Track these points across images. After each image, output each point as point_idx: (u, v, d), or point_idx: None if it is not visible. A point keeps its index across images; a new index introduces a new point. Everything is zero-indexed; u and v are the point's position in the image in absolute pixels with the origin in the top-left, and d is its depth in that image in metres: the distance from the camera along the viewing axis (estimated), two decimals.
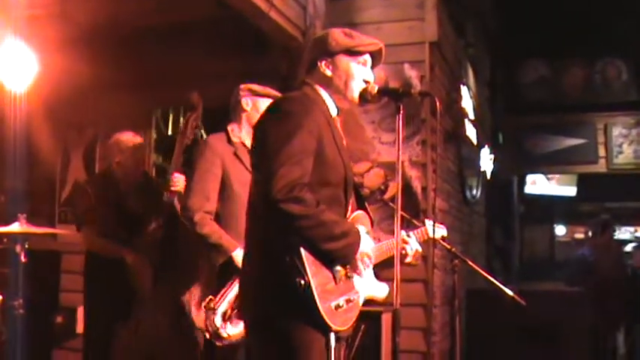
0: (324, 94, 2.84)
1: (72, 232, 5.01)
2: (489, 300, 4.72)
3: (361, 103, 2.92)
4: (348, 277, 2.72)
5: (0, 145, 5.66)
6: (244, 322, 2.83)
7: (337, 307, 2.61)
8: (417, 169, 5.34)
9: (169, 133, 6.63)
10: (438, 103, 2.98)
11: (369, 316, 4.37)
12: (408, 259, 3.14)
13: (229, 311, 3.69)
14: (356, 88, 2.85)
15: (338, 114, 2.88)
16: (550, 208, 13.71)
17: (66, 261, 6.30)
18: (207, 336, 3.72)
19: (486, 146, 8.25)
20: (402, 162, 5.09)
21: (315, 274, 2.54)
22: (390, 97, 2.89)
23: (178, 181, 4.40)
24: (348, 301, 2.68)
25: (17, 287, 4.35)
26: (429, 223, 3.45)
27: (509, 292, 3.97)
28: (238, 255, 3.65)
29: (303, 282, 2.50)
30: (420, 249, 3.19)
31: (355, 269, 2.73)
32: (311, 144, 2.62)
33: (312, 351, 2.56)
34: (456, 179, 6.68)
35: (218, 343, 3.72)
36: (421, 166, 5.36)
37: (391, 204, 4.72)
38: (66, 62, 5.71)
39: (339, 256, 2.64)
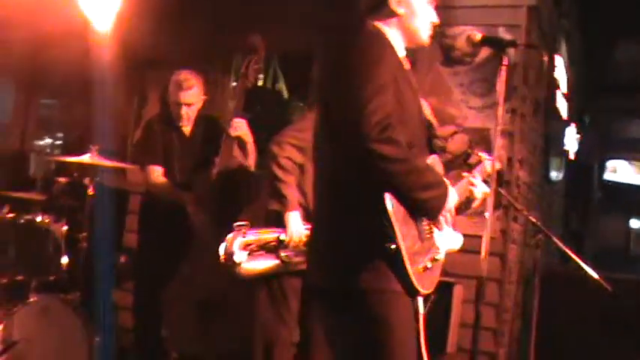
0: (391, 33, 2.57)
1: (140, 171, 4.93)
2: (567, 282, 4.46)
3: (450, 64, 2.70)
4: (431, 233, 2.50)
5: (81, 79, 5.63)
6: (313, 291, 2.63)
7: (425, 268, 2.41)
8: (504, 138, 5.08)
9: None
10: (545, 58, 2.72)
11: (440, 286, 4.15)
12: (476, 203, 2.89)
13: (255, 247, 3.56)
14: (426, 30, 2.62)
15: (406, 56, 2.63)
16: (629, 197, 13.19)
17: (134, 201, 6.23)
18: (221, 250, 3.57)
19: (573, 125, 7.91)
20: (488, 130, 4.90)
21: (404, 235, 2.30)
22: (493, 47, 2.65)
23: (239, 125, 4.25)
24: (432, 260, 2.47)
25: (82, 220, 4.31)
26: (485, 157, 3.18)
27: (595, 276, 3.71)
28: (291, 217, 3.57)
29: (393, 247, 2.28)
30: (487, 190, 2.92)
31: (438, 223, 2.50)
32: (390, 79, 2.34)
33: (402, 318, 2.36)
34: (540, 154, 6.39)
35: (224, 264, 3.57)
36: (508, 136, 5.09)
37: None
38: (147, 2, 5.62)
39: (430, 206, 2.39)
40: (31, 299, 3.47)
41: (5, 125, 6.95)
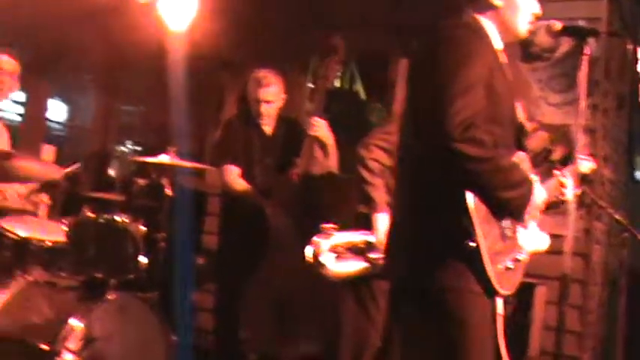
0: (488, 25, 2.51)
1: (218, 172, 4.96)
2: None
3: (529, 60, 2.61)
4: (515, 232, 2.43)
5: (158, 81, 5.71)
6: (392, 286, 2.61)
7: (506, 269, 2.34)
8: (585, 134, 4.91)
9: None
10: (630, 47, 2.61)
11: (521, 287, 4.03)
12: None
13: (343, 249, 3.52)
14: (524, 23, 2.55)
15: (503, 49, 2.56)
16: None
17: (212, 203, 6.28)
18: (309, 253, 3.54)
19: None
20: (569, 126, 4.75)
21: (485, 234, 2.25)
22: (574, 37, 2.56)
23: (318, 125, 4.24)
24: (515, 260, 2.40)
25: (161, 220, 4.36)
26: (582, 157, 3.07)
27: None
28: (380, 219, 3.52)
29: (472, 245, 2.23)
30: (577, 191, 2.83)
31: (523, 223, 2.43)
32: (484, 74, 2.30)
33: (480, 319, 2.31)
34: (624, 152, 6.16)
35: (311, 265, 3.55)
36: (590, 132, 4.92)
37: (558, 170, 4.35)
38: (225, 4, 5.66)
39: (514, 206, 2.34)
40: (110, 297, 3.51)
41: (87, 130, 7.13)
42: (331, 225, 3.57)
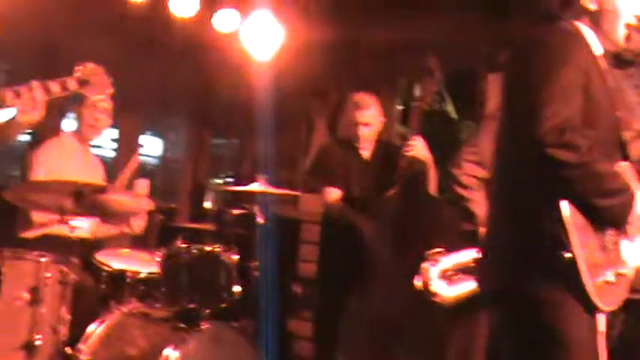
0: (586, 31, 2.39)
1: (313, 198, 4.93)
2: None
3: (622, 66, 2.47)
4: (617, 245, 2.27)
5: (247, 112, 5.75)
6: (487, 297, 2.49)
7: (607, 282, 2.19)
8: None
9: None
10: None
11: (631, 303, 3.80)
12: None
13: (450, 272, 3.38)
14: (621, 28, 2.41)
15: (604, 55, 2.43)
16: None
17: (306, 230, 6.24)
18: (418, 283, 3.43)
19: None
20: None
21: (582, 244, 2.12)
22: None
23: (415, 145, 4.15)
24: (618, 275, 2.24)
25: (253, 249, 4.34)
26: None
27: None
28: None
29: (567, 256, 2.10)
30: None
31: (626, 234, 2.27)
32: (579, 79, 2.20)
33: (577, 335, 2.17)
34: None
35: (424, 295, 3.43)
36: None
37: None
38: (309, 31, 5.66)
39: (612, 215, 2.21)
40: (204, 327, 3.48)
41: (180, 163, 7.23)
42: (436, 250, 3.45)
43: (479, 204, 3.53)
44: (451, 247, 3.56)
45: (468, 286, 3.46)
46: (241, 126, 6.30)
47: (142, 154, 4.67)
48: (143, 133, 6.86)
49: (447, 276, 3.43)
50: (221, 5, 5.66)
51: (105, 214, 3.96)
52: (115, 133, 6.35)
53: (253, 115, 5.57)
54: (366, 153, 4.72)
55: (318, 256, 4.98)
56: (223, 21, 5.70)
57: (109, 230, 4.62)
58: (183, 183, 6.90)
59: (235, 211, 5.41)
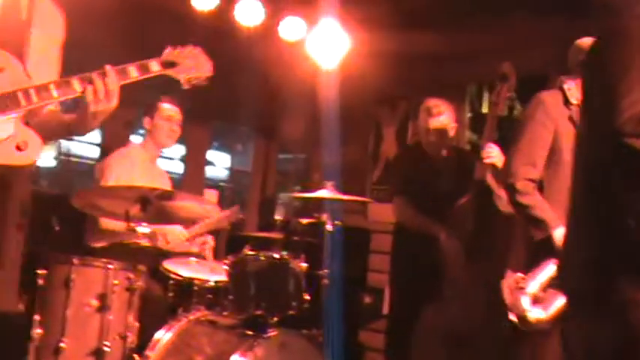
0: None
1: (382, 208, 4.87)
2: None
3: None
4: None
5: (314, 121, 5.70)
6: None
7: None
8: None
9: (485, 110, 6.24)
10: None
11: None
12: None
13: (540, 293, 3.22)
14: None
15: None
16: None
17: (375, 240, 6.16)
18: (513, 318, 3.29)
19: None
20: None
21: None
22: None
23: (492, 152, 4.06)
24: None
25: (323, 257, 4.28)
26: None
27: None
28: (559, 234, 3.18)
29: None
30: None
31: None
32: None
33: None
34: None
35: (523, 328, 3.28)
36: None
37: None
38: (376, 38, 5.60)
39: None
40: (271, 334, 3.41)
41: (248, 174, 7.22)
42: (520, 275, 3.31)
43: (542, 208, 3.38)
44: (528, 260, 3.41)
45: (559, 301, 3.30)
46: (308, 137, 6.25)
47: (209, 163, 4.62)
48: (210, 147, 6.90)
49: (538, 299, 3.26)
50: (287, 14, 5.63)
51: (171, 220, 3.94)
52: (182, 148, 6.39)
53: (320, 124, 5.53)
54: (439, 160, 4.65)
55: (391, 266, 4.90)
56: (289, 30, 5.68)
57: (178, 240, 4.64)
58: (251, 195, 6.89)
59: (304, 220, 5.35)
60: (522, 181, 3.42)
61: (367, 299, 5.96)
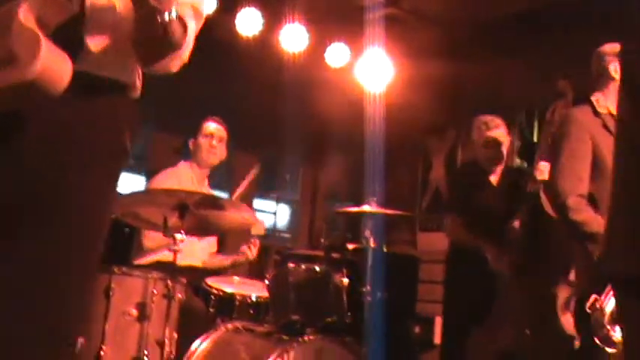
0: None
1: (431, 235, 4.82)
2: None
3: None
4: None
5: (361, 149, 5.69)
6: (613, 284, 2.23)
7: None
8: None
9: (535, 140, 6.15)
10: None
11: None
12: None
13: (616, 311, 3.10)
14: None
15: None
16: None
17: (425, 270, 6.06)
18: (597, 341, 3.15)
19: None
20: None
21: None
22: None
23: (545, 169, 3.98)
24: None
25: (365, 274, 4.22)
26: None
27: None
28: None
29: None
30: None
31: None
32: None
33: None
34: None
35: (610, 350, 3.14)
36: None
37: None
38: (423, 67, 5.61)
39: None
40: (307, 338, 3.35)
41: (295, 202, 7.21)
42: (594, 298, 3.19)
43: (596, 222, 3.26)
44: (591, 277, 3.29)
45: None
46: (356, 161, 6.23)
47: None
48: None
49: (616, 319, 3.14)
50: (331, 40, 5.68)
51: (211, 230, 3.93)
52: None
53: (367, 150, 5.51)
54: (494, 178, 4.64)
55: (444, 292, 4.80)
56: (334, 56, 5.73)
57: (223, 261, 4.65)
58: (298, 222, 6.88)
59: (348, 240, 5.30)
60: (573, 198, 3.31)
61: (417, 329, 5.84)
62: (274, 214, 7.03)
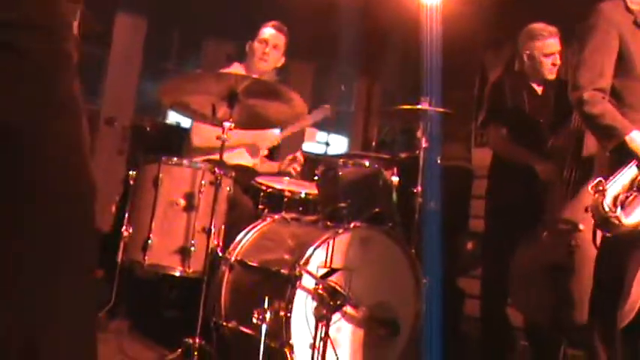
0: None
1: (486, 151, 4.71)
2: None
3: None
4: None
5: (417, 62, 5.57)
6: None
7: None
8: None
9: None
10: None
11: None
12: None
13: (622, 196, 2.98)
14: None
15: None
16: None
17: (478, 186, 5.94)
18: (596, 222, 3.06)
19: None
20: None
21: None
22: None
23: None
24: None
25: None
26: None
27: None
28: (635, 138, 3.02)
29: None
30: None
31: None
32: None
33: None
34: None
35: (607, 233, 3.05)
36: None
37: None
38: None
39: None
40: (353, 225, 3.31)
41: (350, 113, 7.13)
42: (598, 180, 3.09)
43: (612, 114, 3.12)
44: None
45: None
46: (410, 75, 6.12)
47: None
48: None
49: (621, 202, 3.03)
50: None
51: (260, 122, 3.88)
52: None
53: (423, 63, 5.38)
54: (538, 89, 4.43)
55: (486, 203, 4.66)
56: None
57: (271, 167, 4.62)
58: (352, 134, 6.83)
59: (402, 154, 5.21)
60: (590, 92, 3.19)
61: (469, 245, 5.74)
62: (326, 144, 7.00)
